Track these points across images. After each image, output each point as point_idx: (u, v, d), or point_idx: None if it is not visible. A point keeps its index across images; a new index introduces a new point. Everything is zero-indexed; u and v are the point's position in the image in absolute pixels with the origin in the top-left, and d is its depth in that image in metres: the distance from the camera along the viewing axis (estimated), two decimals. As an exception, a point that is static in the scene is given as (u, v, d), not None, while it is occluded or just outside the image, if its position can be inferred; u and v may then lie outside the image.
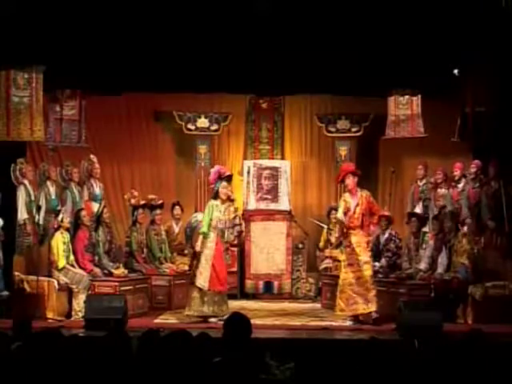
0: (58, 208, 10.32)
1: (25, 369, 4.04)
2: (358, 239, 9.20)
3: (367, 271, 9.13)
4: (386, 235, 10.54)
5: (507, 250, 9.95)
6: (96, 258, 10.13)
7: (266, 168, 12.38)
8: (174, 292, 10.61)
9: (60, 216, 9.98)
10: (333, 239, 11.71)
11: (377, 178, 12.75)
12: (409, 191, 11.75)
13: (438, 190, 10.97)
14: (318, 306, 11.00)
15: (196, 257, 9.38)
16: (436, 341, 4.32)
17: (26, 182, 10.09)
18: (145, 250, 11.01)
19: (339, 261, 10.83)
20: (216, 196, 9.42)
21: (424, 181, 11.37)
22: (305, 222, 12.41)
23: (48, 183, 10.49)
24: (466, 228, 9.94)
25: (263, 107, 12.98)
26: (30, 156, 11.16)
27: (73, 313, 9.48)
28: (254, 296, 11.80)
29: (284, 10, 9.73)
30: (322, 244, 11.98)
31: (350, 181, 9.32)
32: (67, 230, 9.94)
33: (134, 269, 10.57)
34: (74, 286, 9.58)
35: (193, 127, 12.71)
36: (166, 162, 12.99)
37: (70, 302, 9.58)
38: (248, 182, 12.26)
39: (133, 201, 11.04)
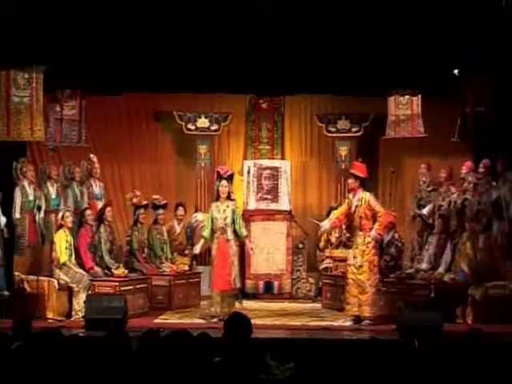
0: (61, 207, 10.31)
1: (25, 369, 4.03)
2: (357, 241, 9.24)
3: (361, 275, 9.13)
4: (389, 237, 10.47)
5: (507, 249, 9.94)
6: (97, 257, 10.11)
7: (266, 168, 12.38)
8: (174, 292, 10.60)
9: (60, 213, 9.97)
10: (333, 239, 11.73)
11: (377, 177, 12.73)
12: (408, 191, 11.74)
13: (441, 188, 10.94)
14: (318, 305, 11.00)
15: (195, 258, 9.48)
16: (436, 341, 4.32)
17: (25, 182, 10.09)
18: (146, 249, 11.01)
19: (339, 261, 10.88)
20: (217, 196, 9.46)
21: (424, 179, 11.34)
22: (305, 222, 12.41)
23: (48, 183, 10.50)
24: (468, 231, 9.89)
25: (263, 107, 12.98)
26: (30, 156, 11.16)
27: (73, 313, 9.48)
28: (254, 296, 11.79)
29: (284, 10, 9.73)
30: (322, 244, 11.98)
31: (351, 181, 9.39)
32: (69, 228, 9.93)
33: (135, 268, 10.56)
34: (74, 286, 9.58)
35: (193, 127, 12.71)
36: (166, 161, 12.99)
37: (70, 302, 9.58)
38: (248, 182, 12.26)
39: (135, 200, 11.03)
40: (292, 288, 11.89)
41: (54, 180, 10.58)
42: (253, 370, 3.98)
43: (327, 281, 11.05)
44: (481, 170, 10.57)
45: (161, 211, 11.21)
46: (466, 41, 9.65)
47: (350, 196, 9.45)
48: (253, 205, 12.17)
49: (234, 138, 13.12)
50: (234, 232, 9.40)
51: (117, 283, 9.62)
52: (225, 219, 9.34)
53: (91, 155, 11.20)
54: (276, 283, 11.85)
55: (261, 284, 11.85)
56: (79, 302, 9.39)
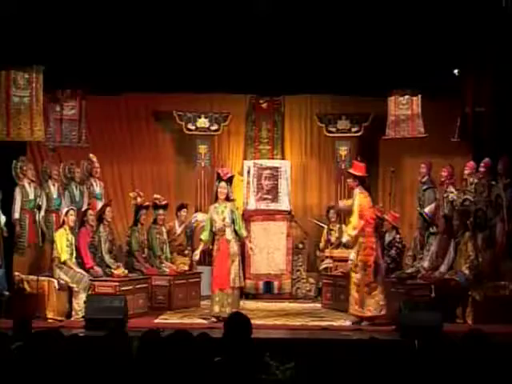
0: (63, 206, 10.31)
1: (25, 369, 4.04)
2: (362, 240, 9.21)
3: (357, 274, 9.12)
4: (390, 238, 10.42)
5: (507, 249, 9.94)
6: (97, 257, 10.10)
7: (266, 168, 12.38)
8: (174, 292, 10.60)
9: (65, 210, 9.93)
10: (333, 239, 11.74)
11: (377, 177, 12.74)
12: (408, 191, 11.75)
13: (442, 188, 10.94)
14: (318, 305, 11.00)
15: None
16: (436, 341, 4.31)
17: (25, 181, 10.09)
18: (145, 249, 11.00)
19: (339, 261, 10.88)
20: (216, 197, 9.46)
21: (425, 179, 11.33)
22: (305, 222, 12.41)
23: (50, 182, 10.50)
24: (469, 233, 9.89)
25: (263, 107, 12.97)
26: (30, 156, 11.17)
27: (73, 313, 9.47)
28: (254, 296, 11.79)
29: (284, 10, 9.75)
30: (322, 244, 11.99)
31: (350, 181, 9.42)
32: (71, 227, 9.91)
33: (135, 268, 10.56)
34: (74, 286, 9.57)
35: (193, 127, 12.70)
36: (165, 162, 12.99)
37: (70, 302, 9.57)
38: (248, 182, 12.26)
39: (139, 200, 11.01)
40: (292, 288, 11.88)
41: (55, 180, 10.58)
42: (253, 370, 3.98)
43: (327, 281, 11.05)
44: (482, 169, 10.57)
45: (161, 211, 11.20)
46: (466, 41, 9.66)
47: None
48: (253, 205, 12.17)
49: (234, 138, 13.11)
50: (235, 231, 9.39)
51: (117, 283, 9.61)
52: (223, 220, 9.33)
53: (91, 155, 11.20)
54: (276, 283, 11.85)
55: (261, 284, 11.85)
56: (79, 302, 9.39)
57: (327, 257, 11.49)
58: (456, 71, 10.42)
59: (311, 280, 11.90)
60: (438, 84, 10.58)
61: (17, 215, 9.99)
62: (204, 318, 9.35)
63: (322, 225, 12.14)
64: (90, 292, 9.45)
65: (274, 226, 12.02)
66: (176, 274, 10.79)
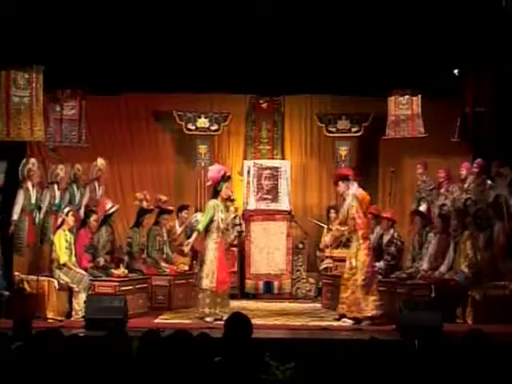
0: (62, 208, 10.31)
1: (25, 369, 4.04)
2: (353, 243, 9.26)
3: (355, 276, 9.14)
4: (389, 236, 10.49)
5: (507, 249, 9.94)
6: (95, 260, 10.09)
7: (266, 168, 12.38)
8: (174, 292, 10.60)
9: (66, 210, 9.90)
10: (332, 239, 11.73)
11: (377, 177, 12.75)
12: (408, 191, 11.76)
13: (441, 189, 10.95)
14: (318, 305, 11.00)
15: (198, 258, 9.40)
16: (436, 341, 4.32)
17: (29, 183, 10.05)
18: (145, 250, 10.99)
19: (339, 261, 10.87)
20: (217, 195, 9.39)
21: (423, 178, 11.35)
22: (305, 222, 12.41)
23: (55, 186, 10.46)
24: (468, 232, 9.90)
25: (263, 107, 12.97)
26: (30, 156, 11.15)
27: (73, 313, 9.47)
28: (254, 296, 11.79)
29: (284, 10, 9.75)
30: (322, 244, 11.99)
31: (340, 186, 9.40)
32: (70, 228, 9.90)
33: (135, 268, 10.56)
34: (74, 286, 9.57)
35: (193, 127, 12.70)
36: (165, 161, 12.99)
37: (70, 302, 9.56)
38: (248, 182, 12.26)
39: (145, 204, 10.99)
40: (292, 288, 11.88)
41: (59, 182, 10.53)
42: (253, 370, 3.98)
43: (327, 281, 11.04)
44: (475, 169, 10.59)
45: (166, 216, 11.19)
46: (466, 41, 9.66)
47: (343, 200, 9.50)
48: (253, 205, 12.17)
49: (234, 138, 13.11)
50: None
51: (117, 283, 9.60)
52: (226, 219, 9.36)
53: (102, 161, 11.12)
54: (276, 283, 11.84)
55: (261, 284, 11.85)
56: (79, 302, 9.39)
57: (327, 257, 11.48)
58: (456, 71, 10.42)
59: (311, 280, 11.90)
60: (438, 84, 10.58)
61: (15, 216, 9.96)
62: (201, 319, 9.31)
63: (322, 225, 12.14)
64: (90, 292, 9.45)
65: (274, 226, 12.01)
66: (176, 274, 10.79)
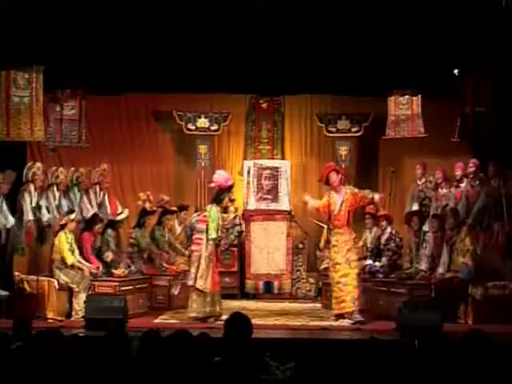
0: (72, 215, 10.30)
1: (25, 369, 4.04)
2: (344, 238, 9.32)
3: (355, 269, 9.23)
4: (387, 235, 10.58)
5: (507, 249, 9.94)
6: (103, 256, 10.14)
7: (266, 168, 12.38)
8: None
9: (72, 215, 9.89)
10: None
11: (377, 177, 12.75)
12: (408, 191, 11.75)
13: (439, 190, 10.95)
14: (318, 305, 11.00)
15: (191, 259, 9.44)
16: (436, 341, 4.32)
17: (31, 186, 10.02)
18: (147, 250, 10.99)
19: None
20: (218, 202, 9.43)
21: (423, 180, 11.35)
22: (305, 222, 12.41)
23: (55, 187, 10.44)
24: (466, 228, 9.93)
25: (263, 107, 12.97)
26: (30, 156, 11.16)
27: (73, 313, 9.47)
28: (254, 296, 11.79)
29: (284, 10, 9.75)
30: (322, 244, 11.98)
31: (335, 177, 9.39)
32: (71, 231, 9.90)
33: (135, 269, 10.55)
34: (74, 286, 9.58)
35: (193, 127, 12.70)
36: (165, 162, 12.99)
37: (70, 302, 9.57)
38: (248, 182, 12.26)
39: (148, 204, 10.99)
40: (292, 288, 11.88)
41: (60, 184, 10.52)
42: (253, 370, 3.98)
43: (327, 281, 11.02)
44: (471, 169, 10.59)
45: (169, 216, 11.21)
46: (466, 41, 9.66)
47: (333, 195, 9.47)
48: (253, 205, 12.17)
49: (234, 138, 13.11)
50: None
51: (117, 283, 9.61)
52: (224, 221, 9.50)
53: (106, 166, 11.12)
54: (276, 283, 11.84)
55: (261, 284, 11.85)
56: (79, 302, 9.39)
57: (327, 257, 11.47)
58: (456, 71, 10.42)
59: (311, 280, 11.90)
60: (438, 84, 10.58)
61: (30, 215, 9.90)
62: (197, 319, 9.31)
63: (322, 225, 12.12)
64: (90, 292, 9.45)
65: (274, 225, 12.01)
66: (176, 274, 10.79)
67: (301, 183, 13.02)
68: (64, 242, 9.69)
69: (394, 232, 10.61)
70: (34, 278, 9.38)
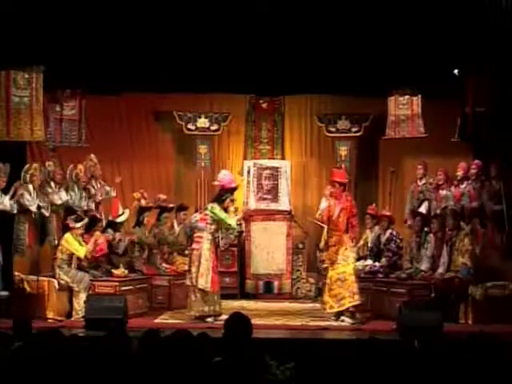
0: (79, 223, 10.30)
1: (25, 369, 4.04)
2: (342, 240, 9.33)
3: (351, 264, 9.28)
4: (387, 235, 10.59)
5: (507, 249, 9.94)
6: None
7: (266, 168, 12.38)
8: (173, 292, 10.61)
9: (80, 224, 9.90)
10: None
11: (377, 178, 12.75)
12: (408, 191, 11.76)
13: (440, 190, 10.94)
14: (318, 306, 10.96)
15: (191, 258, 9.47)
16: (436, 341, 4.32)
17: (30, 186, 10.02)
18: (146, 250, 10.99)
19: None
20: (220, 202, 9.47)
21: (424, 180, 11.35)
22: (305, 222, 12.40)
23: (52, 184, 10.45)
24: (467, 228, 9.93)
25: (263, 107, 12.97)
26: (30, 156, 11.16)
27: (73, 312, 9.48)
28: (254, 296, 11.79)
29: (284, 9, 9.74)
30: (322, 244, 11.96)
31: (335, 190, 9.54)
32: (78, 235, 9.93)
33: (134, 269, 10.57)
34: (74, 286, 9.58)
35: (193, 127, 12.69)
36: (165, 161, 12.99)
37: (70, 302, 9.58)
38: (248, 182, 12.26)
39: (143, 202, 11.01)
40: (292, 288, 11.88)
41: (57, 183, 10.53)
42: (253, 370, 3.98)
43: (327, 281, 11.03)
44: (473, 170, 10.60)
45: (166, 214, 11.23)
46: (465, 41, 9.65)
47: (332, 202, 9.57)
48: (253, 205, 12.17)
49: (234, 138, 13.11)
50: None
51: (117, 283, 9.62)
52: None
53: (92, 156, 11.18)
54: (276, 283, 11.84)
55: (261, 284, 11.84)
56: (79, 302, 9.40)
57: (326, 256, 11.46)
58: (456, 71, 10.41)
59: (311, 280, 11.89)
60: (437, 84, 10.57)
61: (34, 208, 9.88)
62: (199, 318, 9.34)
63: (322, 225, 12.11)
64: (90, 292, 9.46)
65: (274, 225, 12.01)
66: (176, 274, 10.79)
67: (301, 183, 13.02)
68: (73, 241, 9.72)
69: (394, 233, 10.60)
70: (34, 278, 9.39)
